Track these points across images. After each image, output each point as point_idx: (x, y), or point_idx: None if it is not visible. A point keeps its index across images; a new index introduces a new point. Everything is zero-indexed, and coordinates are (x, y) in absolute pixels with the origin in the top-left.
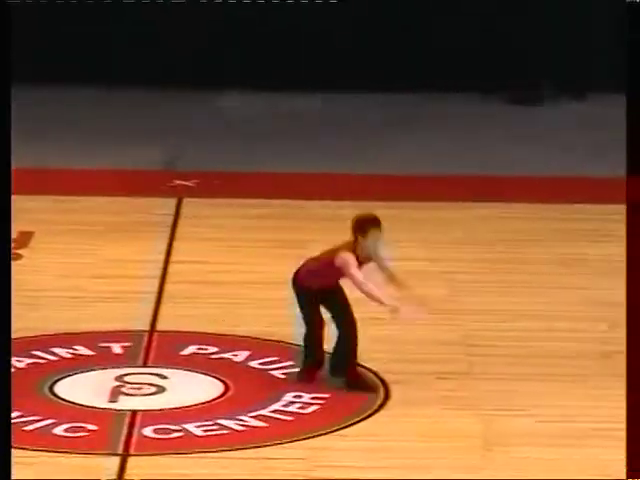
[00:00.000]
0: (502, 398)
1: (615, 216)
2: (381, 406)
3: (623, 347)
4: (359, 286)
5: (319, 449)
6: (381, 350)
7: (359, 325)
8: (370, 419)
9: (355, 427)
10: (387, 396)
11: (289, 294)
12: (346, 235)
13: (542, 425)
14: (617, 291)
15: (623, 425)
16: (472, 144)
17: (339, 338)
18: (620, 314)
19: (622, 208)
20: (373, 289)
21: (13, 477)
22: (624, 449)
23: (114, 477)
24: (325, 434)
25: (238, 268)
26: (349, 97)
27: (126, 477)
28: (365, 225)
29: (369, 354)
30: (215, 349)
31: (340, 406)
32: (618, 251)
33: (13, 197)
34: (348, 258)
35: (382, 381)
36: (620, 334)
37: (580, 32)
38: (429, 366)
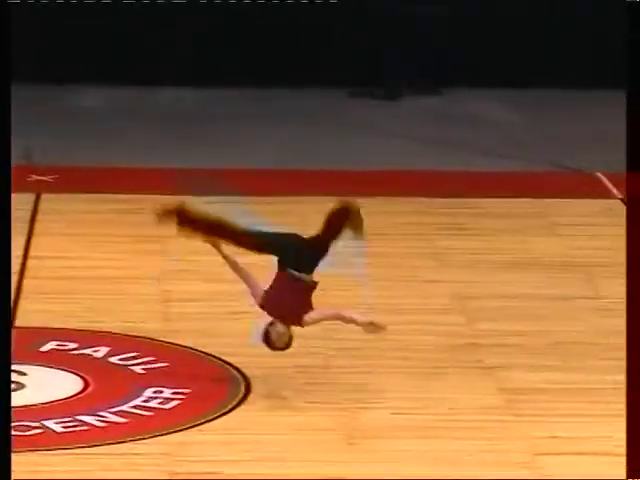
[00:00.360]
0: (361, 391)
1: (474, 210)
2: (242, 400)
3: (480, 340)
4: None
5: (181, 444)
6: (240, 344)
7: (218, 320)
8: (231, 413)
9: (217, 421)
10: (248, 390)
11: (149, 289)
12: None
13: (400, 417)
14: (476, 284)
15: (480, 417)
16: (327, 139)
17: None
18: (478, 307)
19: (484, 201)
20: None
21: (13, 477)
22: (482, 440)
23: None
24: (186, 429)
25: (97, 263)
26: (204, 91)
27: None
28: None
29: (230, 348)
30: (75, 345)
31: (201, 401)
32: (477, 245)
33: None
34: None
35: (243, 375)
36: (478, 327)
37: (435, 28)
38: (289, 360)
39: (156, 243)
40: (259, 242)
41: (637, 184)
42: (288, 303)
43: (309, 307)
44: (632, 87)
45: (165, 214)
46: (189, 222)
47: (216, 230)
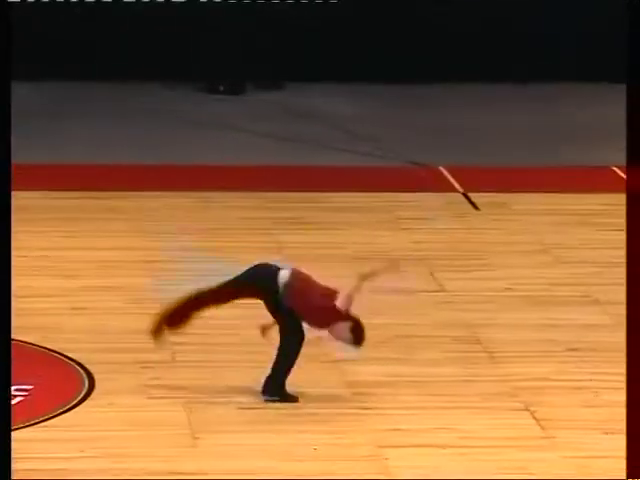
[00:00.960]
0: (205, 386)
1: (318, 204)
2: (86, 396)
3: (325, 333)
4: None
5: (24, 441)
6: (84, 340)
7: (62, 315)
8: (75, 410)
9: (60, 418)
10: (91, 386)
11: None
12: (45, 225)
13: (247, 412)
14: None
15: (326, 410)
16: (169, 134)
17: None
18: None
19: (328, 195)
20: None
21: (13, 477)
22: (327, 433)
23: None
24: (30, 425)
25: None
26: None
27: None
28: None
29: (73, 344)
30: None
31: (44, 397)
32: (321, 239)
33: None
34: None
35: (87, 371)
36: None
37: (278, 22)
38: (133, 355)
39: None
40: (237, 289)
41: (637, 179)
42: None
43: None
44: (631, 81)
45: (157, 330)
46: (178, 319)
47: (200, 305)
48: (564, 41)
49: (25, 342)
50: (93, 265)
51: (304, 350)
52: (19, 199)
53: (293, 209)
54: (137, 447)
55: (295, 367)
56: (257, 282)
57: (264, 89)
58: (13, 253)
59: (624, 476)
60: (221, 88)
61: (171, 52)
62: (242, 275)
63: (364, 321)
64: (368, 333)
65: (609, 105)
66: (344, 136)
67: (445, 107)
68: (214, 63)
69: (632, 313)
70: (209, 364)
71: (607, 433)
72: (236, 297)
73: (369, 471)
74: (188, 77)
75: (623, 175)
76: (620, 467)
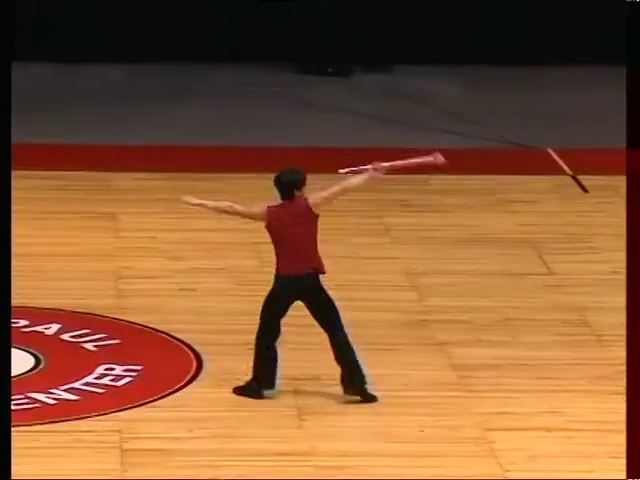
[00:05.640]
0: (311, 368)
1: (424, 187)
2: (193, 377)
3: (431, 316)
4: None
5: (133, 421)
6: (192, 321)
7: (169, 297)
8: (184, 390)
9: (169, 398)
10: (199, 367)
11: (101, 266)
12: (152, 207)
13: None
14: (426, 261)
15: (431, 392)
16: (279, 115)
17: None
18: (429, 283)
19: (433, 178)
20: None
21: (13, 477)
22: (433, 415)
23: None
24: (138, 406)
25: (44, 240)
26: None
27: None
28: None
29: (181, 325)
30: (26, 322)
31: (153, 378)
32: (427, 221)
33: None
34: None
35: (195, 353)
36: (429, 303)
37: (385, 5)
38: (240, 337)
39: (107, 220)
40: None
41: (637, 161)
42: None
43: None
44: (631, 64)
45: None
46: None
47: None
48: None
49: (133, 322)
50: (199, 247)
51: (409, 332)
52: (123, 180)
53: (400, 191)
54: (245, 428)
55: (400, 349)
56: None
57: (371, 71)
58: (117, 234)
59: None
60: (329, 70)
61: (281, 33)
62: None
63: (473, 304)
64: (475, 316)
65: None
66: (449, 118)
67: (550, 89)
68: (323, 45)
69: (632, 301)
70: (314, 346)
71: None
72: None
73: (475, 454)
74: (294, 59)
75: None
76: None
